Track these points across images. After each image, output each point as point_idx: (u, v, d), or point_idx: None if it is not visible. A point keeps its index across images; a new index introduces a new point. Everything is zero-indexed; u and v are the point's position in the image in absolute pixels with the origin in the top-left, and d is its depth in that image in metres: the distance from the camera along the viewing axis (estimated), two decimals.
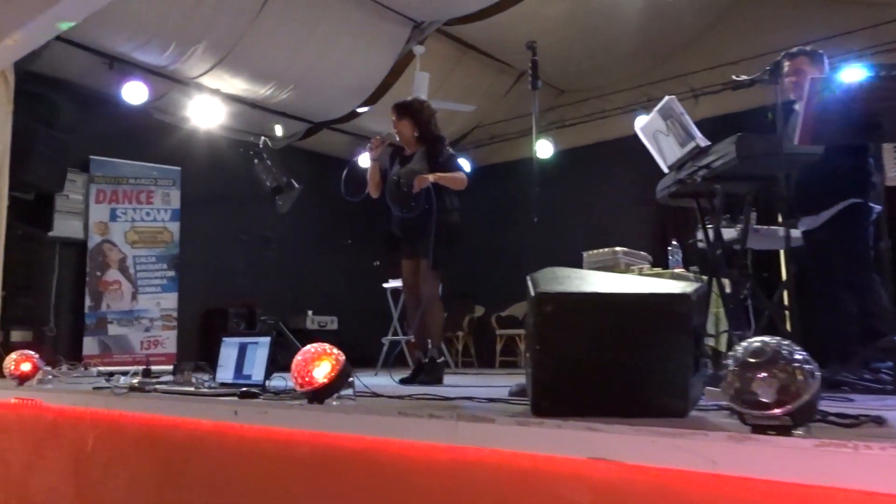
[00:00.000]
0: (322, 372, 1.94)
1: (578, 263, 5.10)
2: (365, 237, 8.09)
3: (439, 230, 3.51)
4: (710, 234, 3.20)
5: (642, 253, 5.41)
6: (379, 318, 6.58)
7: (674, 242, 5.47)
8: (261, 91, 6.88)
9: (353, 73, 6.88)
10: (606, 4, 6.69)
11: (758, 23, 6.90)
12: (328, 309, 7.88)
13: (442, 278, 3.75)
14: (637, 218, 7.39)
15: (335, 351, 2.00)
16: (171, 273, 6.98)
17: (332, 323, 7.74)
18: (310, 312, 7.59)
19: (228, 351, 2.56)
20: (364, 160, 4.03)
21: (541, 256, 2.42)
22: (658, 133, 3.32)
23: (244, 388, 2.33)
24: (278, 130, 7.44)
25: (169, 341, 6.82)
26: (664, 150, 3.30)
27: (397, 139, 3.84)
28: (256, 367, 2.43)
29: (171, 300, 6.91)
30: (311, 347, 2.01)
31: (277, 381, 2.37)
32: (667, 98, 3.18)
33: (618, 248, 5.21)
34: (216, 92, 6.74)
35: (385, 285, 6.46)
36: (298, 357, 1.98)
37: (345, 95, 7.16)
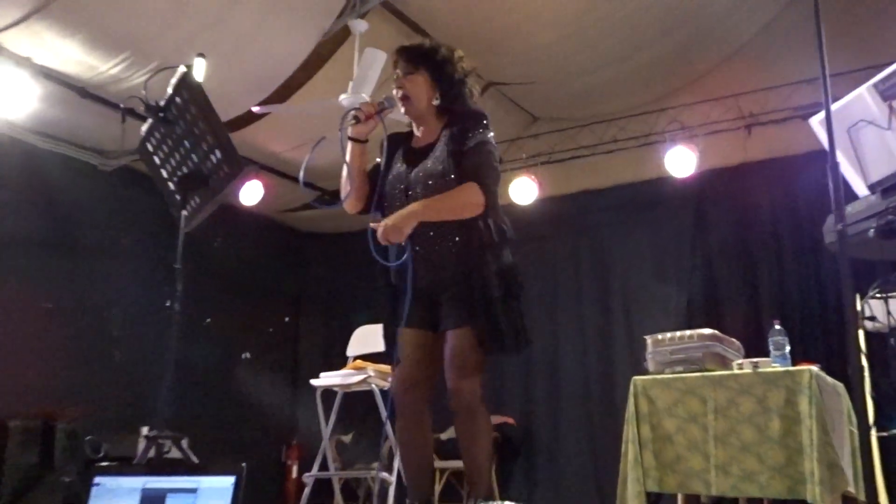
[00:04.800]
0: None
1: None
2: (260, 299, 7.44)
3: (495, 276, 2.87)
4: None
5: (732, 340, 4.59)
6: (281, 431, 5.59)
7: (776, 325, 4.57)
8: (103, 67, 5.84)
9: (256, 53, 6.10)
10: None
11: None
12: (183, 420, 6.53)
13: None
14: (667, 288, 7.01)
15: None
16: None
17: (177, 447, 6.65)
18: (144, 430, 6.46)
19: None
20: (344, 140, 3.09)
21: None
22: (864, 126, 2.74)
23: None
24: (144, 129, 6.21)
25: None
26: (870, 156, 2.75)
27: (402, 112, 3.05)
28: None
29: None
30: None
31: None
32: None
33: (706, 331, 4.35)
34: (25, 62, 5.70)
35: (315, 382, 5.27)
36: None
37: (238, 86, 6.27)
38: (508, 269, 2.92)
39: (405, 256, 2.84)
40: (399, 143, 3.08)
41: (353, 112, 2.92)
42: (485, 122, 2.96)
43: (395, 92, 3.00)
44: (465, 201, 2.83)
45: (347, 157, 2.95)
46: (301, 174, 3.04)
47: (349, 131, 2.94)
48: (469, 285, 2.82)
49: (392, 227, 2.74)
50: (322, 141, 2.94)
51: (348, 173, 2.94)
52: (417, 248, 2.85)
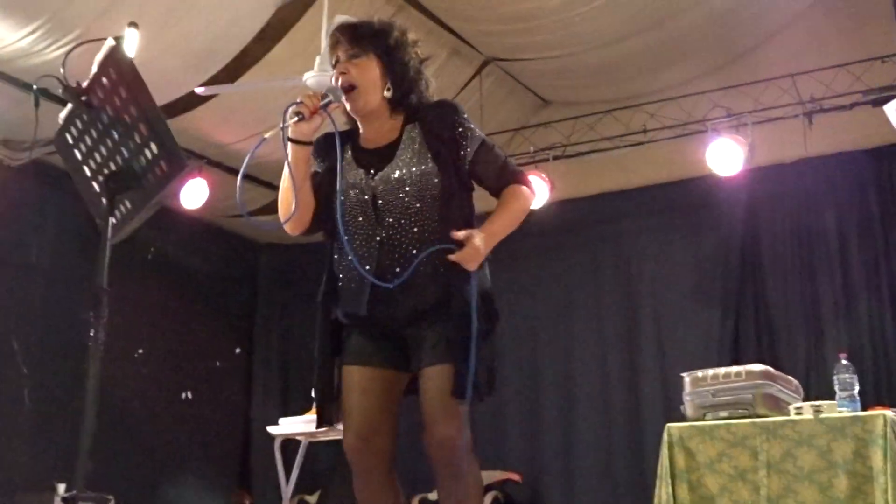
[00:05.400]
0: None
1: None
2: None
3: (480, 302, 2.93)
4: None
5: (789, 378, 4.70)
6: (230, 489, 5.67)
7: (842, 359, 4.67)
8: (10, 38, 5.89)
9: (199, 20, 6.15)
10: None
11: None
12: (108, 476, 6.58)
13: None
14: (708, 313, 7.15)
15: None
16: None
17: None
18: (60, 488, 6.56)
19: None
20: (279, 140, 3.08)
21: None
22: None
23: None
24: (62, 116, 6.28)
25: None
26: None
27: (347, 107, 3.07)
28: None
29: None
30: None
31: None
32: None
33: (756, 367, 4.43)
34: None
35: (273, 430, 5.28)
36: None
37: (178, 62, 6.32)
38: (489, 294, 2.99)
39: (394, 281, 2.86)
40: (333, 145, 3.09)
41: (293, 107, 2.93)
42: (464, 112, 3.05)
43: (336, 80, 3.02)
44: (524, 209, 3.02)
45: (289, 165, 2.97)
46: (238, 184, 2.98)
47: (289, 131, 2.96)
48: (449, 314, 2.88)
49: (479, 252, 2.83)
50: (262, 142, 2.94)
51: (291, 184, 2.96)
52: (398, 269, 2.90)
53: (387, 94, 3.02)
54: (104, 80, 3.15)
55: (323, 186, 3.06)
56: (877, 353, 6.34)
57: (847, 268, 6.66)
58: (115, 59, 3.15)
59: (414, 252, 2.90)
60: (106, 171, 3.28)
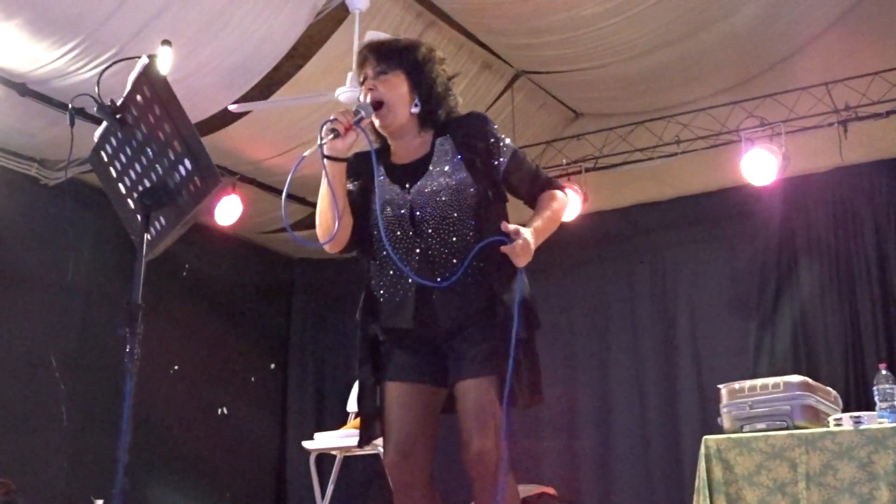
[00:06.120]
0: None
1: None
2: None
3: (520, 314, 2.91)
4: None
5: (828, 389, 4.74)
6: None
7: (882, 369, 4.61)
8: (46, 58, 5.86)
9: (232, 38, 6.11)
10: None
11: None
12: (145, 491, 7.02)
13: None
14: (745, 324, 7.06)
15: None
16: None
17: None
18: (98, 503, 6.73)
19: None
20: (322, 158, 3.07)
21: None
22: None
23: None
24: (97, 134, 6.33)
25: None
26: None
27: (375, 123, 3.10)
28: None
29: None
30: None
31: None
32: None
33: (794, 378, 4.45)
34: None
35: (308, 444, 5.27)
36: None
37: (211, 80, 6.31)
38: (529, 301, 2.99)
39: (442, 282, 2.87)
40: (364, 163, 3.10)
41: (328, 124, 2.95)
42: (493, 123, 3.07)
43: (365, 96, 3.03)
44: (562, 212, 3.10)
45: (328, 181, 2.97)
46: (283, 203, 3.00)
47: (325, 148, 2.97)
48: (492, 324, 2.88)
49: (529, 246, 2.83)
50: (302, 159, 2.94)
51: (331, 202, 2.96)
52: (439, 280, 2.91)
53: (414, 109, 3.05)
54: (138, 97, 3.18)
55: (356, 205, 3.07)
56: None
57: (885, 276, 6.60)
58: (148, 76, 3.18)
59: (454, 261, 2.92)
60: (140, 188, 3.31)
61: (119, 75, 3.54)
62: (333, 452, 5.28)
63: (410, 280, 2.93)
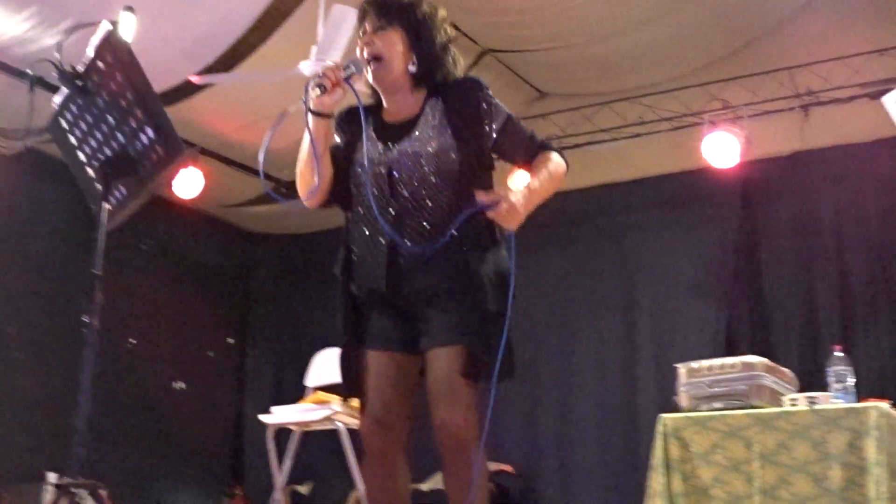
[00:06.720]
0: None
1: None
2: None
3: (490, 282, 2.94)
4: None
5: (784, 370, 4.73)
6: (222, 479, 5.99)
7: (837, 352, 4.65)
8: (5, 25, 5.89)
9: (196, 8, 6.16)
10: None
11: None
12: (100, 465, 6.63)
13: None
14: (705, 305, 7.15)
15: None
16: None
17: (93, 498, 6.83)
18: (51, 477, 6.49)
19: None
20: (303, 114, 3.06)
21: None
22: None
23: None
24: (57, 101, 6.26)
25: None
26: None
27: (369, 78, 3.09)
28: None
29: None
30: None
31: None
32: None
33: (752, 359, 4.48)
34: None
35: (266, 419, 5.23)
36: None
37: (173, 50, 6.29)
38: (506, 276, 2.98)
39: (423, 248, 2.84)
40: (353, 119, 3.10)
41: (316, 80, 2.93)
42: (488, 89, 3.02)
43: (361, 51, 3.02)
44: (560, 176, 2.98)
45: (310, 137, 2.96)
46: (260, 157, 3.00)
47: (312, 104, 2.94)
48: (463, 294, 2.86)
49: (516, 208, 2.78)
50: (284, 116, 2.93)
51: (313, 156, 2.95)
52: (409, 244, 2.89)
53: (412, 68, 3.03)
54: (100, 64, 3.14)
55: (339, 160, 3.06)
56: (870, 345, 6.37)
57: (843, 260, 6.67)
58: (111, 43, 3.14)
59: (428, 227, 2.90)
60: (101, 157, 3.29)
61: (81, 43, 3.51)
62: (291, 427, 5.28)
63: (383, 240, 2.91)
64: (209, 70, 6.38)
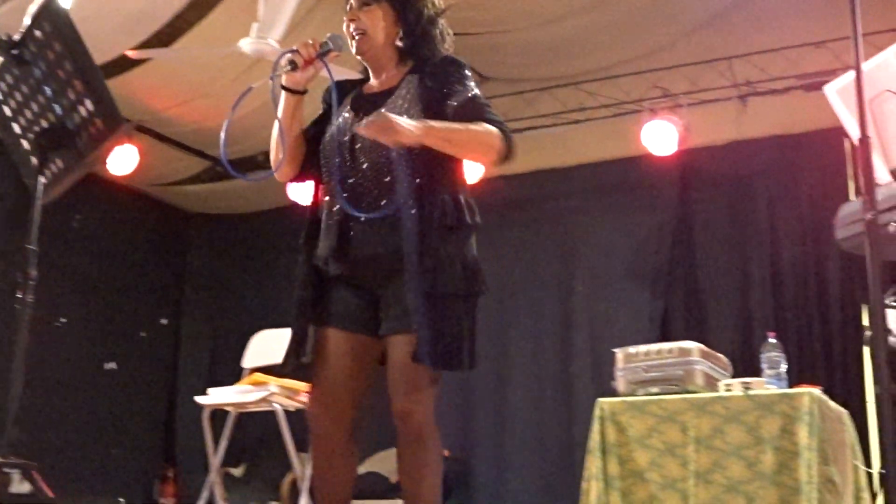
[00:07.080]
0: None
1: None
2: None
3: (452, 263, 2.87)
4: None
5: (719, 355, 4.73)
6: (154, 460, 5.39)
7: (771, 338, 4.70)
8: None
9: None
10: None
11: None
12: (32, 445, 6.50)
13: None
14: (642, 291, 7.21)
15: None
16: None
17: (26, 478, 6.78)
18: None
19: None
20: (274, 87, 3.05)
21: None
22: (889, 99, 3.11)
23: None
24: None
25: None
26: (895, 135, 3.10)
27: (353, 52, 3.08)
28: None
29: None
30: None
31: None
32: None
33: (688, 344, 4.48)
34: None
35: (202, 400, 5.18)
36: None
37: (109, 22, 6.11)
38: (474, 262, 2.94)
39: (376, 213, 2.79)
40: (347, 91, 3.10)
41: (288, 55, 2.93)
42: (466, 69, 2.98)
43: (347, 26, 3.01)
44: (483, 141, 2.81)
45: (280, 113, 2.95)
46: (222, 137, 2.96)
47: (282, 79, 2.94)
48: (422, 273, 2.82)
49: (389, 122, 2.66)
50: (248, 92, 2.91)
51: (279, 132, 2.95)
52: (360, 214, 2.85)
53: (399, 43, 3.03)
54: (37, 32, 3.06)
55: (312, 133, 3.08)
56: (802, 332, 6.50)
57: (776, 249, 6.80)
58: (49, 11, 3.07)
59: (383, 202, 2.86)
60: (37, 129, 3.22)
61: (17, 12, 3.41)
62: (227, 409, 5.24)
63: (337, 208, 2.88)
64: (146, 45, 6.26)
